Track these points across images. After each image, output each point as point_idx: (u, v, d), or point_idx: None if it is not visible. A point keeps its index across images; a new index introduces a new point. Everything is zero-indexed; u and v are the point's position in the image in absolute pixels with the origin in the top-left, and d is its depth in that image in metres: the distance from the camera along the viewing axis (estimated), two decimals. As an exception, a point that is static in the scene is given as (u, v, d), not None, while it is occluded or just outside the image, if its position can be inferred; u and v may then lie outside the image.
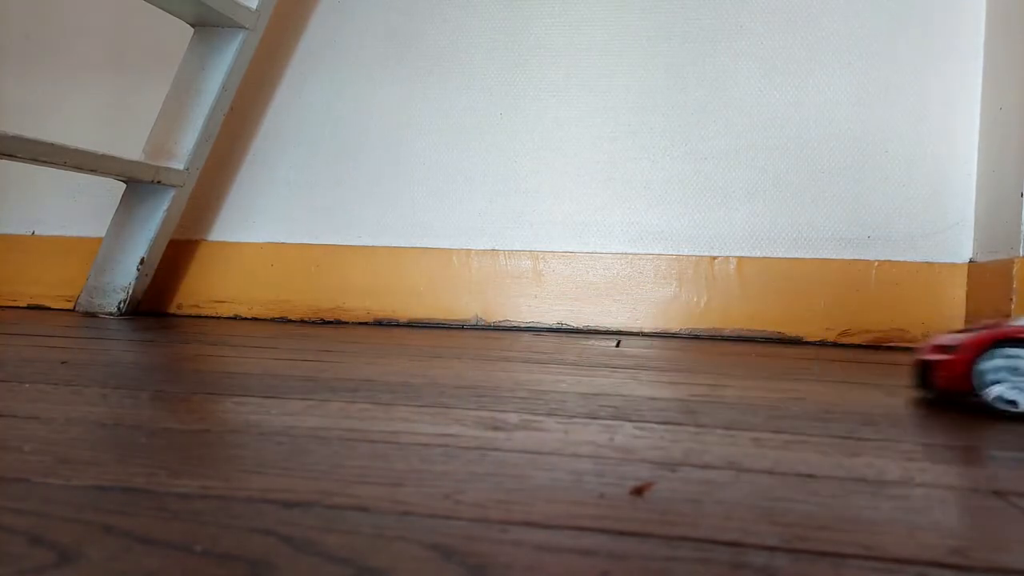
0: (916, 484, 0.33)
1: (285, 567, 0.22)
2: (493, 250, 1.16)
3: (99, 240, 1.17)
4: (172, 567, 0.22)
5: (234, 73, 1.13)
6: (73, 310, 1.21)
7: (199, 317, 1.21)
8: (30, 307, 1.29)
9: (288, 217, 1.23)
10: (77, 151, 0.94)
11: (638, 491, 0.31)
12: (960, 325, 1.03)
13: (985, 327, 0.55)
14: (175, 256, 1.23)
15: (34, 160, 0.90)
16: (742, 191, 1.10)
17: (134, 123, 1.24)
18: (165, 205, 1.12)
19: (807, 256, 1.08)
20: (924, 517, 0.29)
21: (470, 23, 1.17)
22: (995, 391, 0.53)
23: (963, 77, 1.04)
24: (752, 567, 0.23)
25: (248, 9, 1.10)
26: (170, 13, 1.09)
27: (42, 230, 1.31)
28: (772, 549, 0.25)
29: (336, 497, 0.29)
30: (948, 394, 0.55)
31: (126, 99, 1.28)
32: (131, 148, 1.14)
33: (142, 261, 1.13)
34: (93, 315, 1.14)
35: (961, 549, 0.26)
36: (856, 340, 1.05)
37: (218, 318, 1.21)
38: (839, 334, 1.06)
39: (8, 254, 1.31)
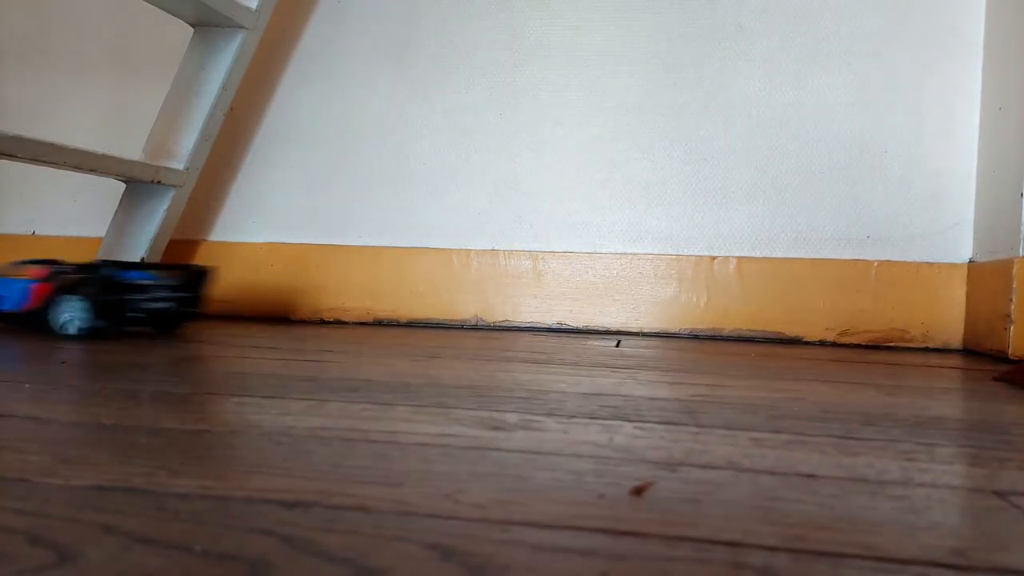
0: (916, 484, 0.33)
1: (285, 567, 0.22)
2: (493, 250, 1.16)
3: (99, 240, 1.17)
4: (172, 567, 0.22)
5: (234, 73, 1.13)
6: (73, 310, 1.20)
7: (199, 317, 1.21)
8: (30, 307, 1.29)
9: (288, 217, 1.23)
10: (77, 151, 0.94)
11: (638, 491, 0.31)
12: (960, 326, 1.03)
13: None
14: (175, 256, 1.23)
15: (34, 160, 0.90)
16: (742, 191, 1.10)
17: (134, 123, 1.24)
18: (165, 205, 1.12)
19: (807, 256, 1.08)
20: (924, 517, 0.29)
21: (470, 23, 1.17)
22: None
23: (963, 77, 1.04)
24: (752, 567, 0.23)
25: (248, 9, 1.10)
26: (170, 13, 1.09)
27: (42, 230, 1.31)
28: (772, 549, 0.25)
29: (336, 497, 0.29)
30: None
31: (126, 99, 1.28)
32: (131, 148, 1.14)
33: (142, 261, 1.13)
34: (93, 315, 1.14)
35: (961, 549, 0.26)
36: (856, 340, 1.05)
37: (218, 318, 1.21)
38: (839, 334, 1.06)
39: (8, 254, 1.31)
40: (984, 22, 1.03)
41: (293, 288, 1.21)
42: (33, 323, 0.82)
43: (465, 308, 1.16)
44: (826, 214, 1.07)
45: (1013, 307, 0.88)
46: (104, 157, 0.99)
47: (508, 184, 1.16)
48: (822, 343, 1.06)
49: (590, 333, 1.11)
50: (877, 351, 0.99)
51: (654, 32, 1.12)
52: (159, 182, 1.09)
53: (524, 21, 1.16)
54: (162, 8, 1.07)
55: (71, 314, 0.80)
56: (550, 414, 0.47)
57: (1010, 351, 0.88)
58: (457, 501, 0.29)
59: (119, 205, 1.14)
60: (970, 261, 1.03)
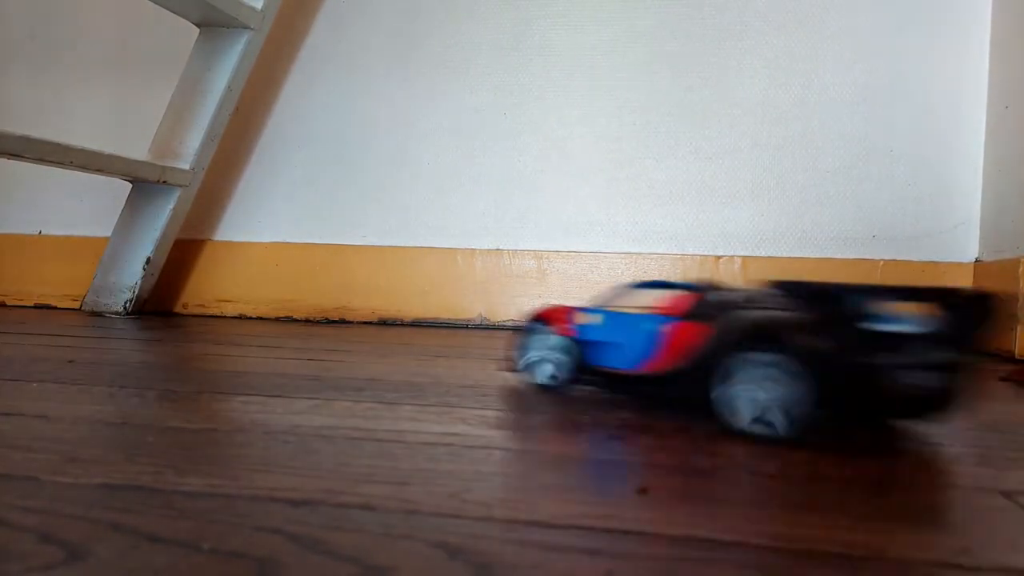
0: (921, 484, 0.33)
1: (292, 565, 0.23)
2: (497, 250, 1.16)
3: (105, 240, 1.18)
4: (180, 565, 0.22)
5: (239, 73, 1.13)
6: (80, 309, 1.21)
7: (205, 316, 1.22)
8: (37, 306, 1.30)
9: (293, 217, 1.23)
10: (83, 151, 0.95)
11: (644, 491, 0.31)
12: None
13: None
14: (181, 256, 1.23)
15: (40, 160, 0.91)
16: (747, 190, 1.09)
17: (140, 123, 1.24)
18: (171, 205, 1.13)
19: (812, 255, 1.07)
20: (930, 517, 0.29)
21: (474, 23, 1.17)
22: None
23: (969, 75, 1.04)
24: (756, 566, 0.24)
25: (253, 9, 1.11)
26: (176, 13, 1.10)
27: (49, 230, 1.32)
28: (777, 549, 0.25)
29: (342, 496, 0.29)
30: None
31: (131, 99, 1.28)
32: (137, 148, 1.15)
33: (148, 261, 1.13)
34: (99, 314, 1.14)
35: (968, 549, 0.26)
36: (861, 340, 1.05)
37: (223, 317, 1.21)
38: (844, 334, 1.05)
39: (15, 254, 1.32)
40: (991, 20, 1.03)
41: (298, 288, 1.21)
42: (671, 395, 0.46)
43: (470, 307, 1.16)
44: (831, 213, 1.07)
45: (1019, 307, 0.88)
46: (110, 157, 0.99)
47: (512, 184, 1.16)
48: (827, 342, 1.05)
49: (595, 332, 1.10)
50: (882, 351, 0.98)
51: (659, 31, 1.12)
52: (165, 182, 1.09)
53: (529, 21, 1.16)
54: (168, 8, 1.07)
55: (763, 394, 0.40)
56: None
57: (1016, 351, 0.88)
58: (463, 500, 0.29)
59: (125, 205, 1.15)
60: (976, 260, 1.03)
